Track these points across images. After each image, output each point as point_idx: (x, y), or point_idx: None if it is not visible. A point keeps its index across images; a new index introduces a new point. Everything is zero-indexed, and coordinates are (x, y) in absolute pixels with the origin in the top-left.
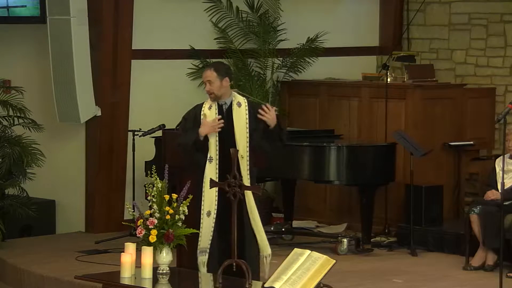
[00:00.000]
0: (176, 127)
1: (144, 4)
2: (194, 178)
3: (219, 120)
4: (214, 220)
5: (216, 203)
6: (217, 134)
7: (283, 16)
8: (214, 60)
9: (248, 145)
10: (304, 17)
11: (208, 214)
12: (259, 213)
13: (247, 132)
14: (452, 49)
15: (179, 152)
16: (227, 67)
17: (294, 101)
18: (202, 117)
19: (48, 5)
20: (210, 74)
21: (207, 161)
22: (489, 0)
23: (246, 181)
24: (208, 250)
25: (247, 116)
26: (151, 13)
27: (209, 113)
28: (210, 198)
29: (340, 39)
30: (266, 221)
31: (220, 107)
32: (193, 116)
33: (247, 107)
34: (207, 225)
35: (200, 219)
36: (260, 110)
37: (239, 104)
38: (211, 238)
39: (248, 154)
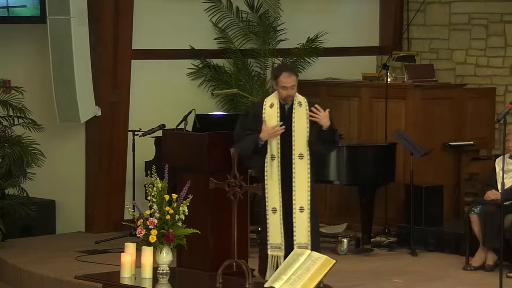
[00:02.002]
0: (176, 127)
1: (144, 4)
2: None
3: (280, 126)
4: (281, 217)
5: (281, 200)
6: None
7: (283, 16)
8: (214, 60)
9: (307, 144)
10: (304, 17)
11: (274, 210)
12: None
13: (307, 132)
14: (452, 49)
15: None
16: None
17: None
18: (263, 115)
19: (48, 5)
20: (294, 79)
21: (269, 159)
22: (489, 0)
23: (306, 181)
24: (283, 246)
25: (307, 115)
26: (151, 13)
27: (271, 112)
28: (274, 195)
29: (340, 39)
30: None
31: (282, 106)
32: (254, 114)
33: (307, 107)
34: (275, 221)
35: (266, 216)
36: (310, 112)
37: (299, 104)
38: (282, 233)
39: (308, 153)
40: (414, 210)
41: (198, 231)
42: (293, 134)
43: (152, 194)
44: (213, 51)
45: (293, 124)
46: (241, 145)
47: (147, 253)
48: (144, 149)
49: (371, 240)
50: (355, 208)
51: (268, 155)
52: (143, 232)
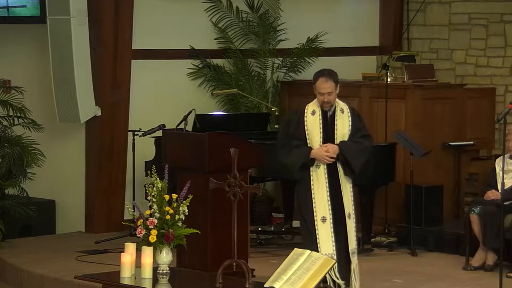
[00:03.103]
0: (176, 127)
1: (144, 4)
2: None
3: (322, 136)
4: (331, 225)
5: (330, 208)
6: (321, 141)
7: (283, 16)
8: (214, 60)
9: None
10: (304, 17)
11: (323, 220)
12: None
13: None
14: (452, 49)
15: (275, 165)
16: (336, 73)
17: (294, 101)
18: (306, 123)
19: (48, 5)
20: (331, 85)
21: (315, 167)
22: (489, 0)
23: (350, 188)
24: (335, 256)
25: (350, 122)
26: (151, 13)
27: (313, 119)
28: (323, 203)
29: (340, 39)
30: (266, 221)
31: (324, 113)
32: (296, 122)
33: (349, 113)
34: (325, 230)
35: (314, 225)
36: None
37: (342, 111)
38: (333, 242)
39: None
40: (414, 210)
41: (198, 231)
42: (335, 142)
43: (152, 194)
44: (213, 51)
45: (335, 132)
46: (290, 159)
47: (147, 253)
48: (144, 149)
49: (371, 240)
50: (355, 208)
51: (313, 163)
52: (143, 232)
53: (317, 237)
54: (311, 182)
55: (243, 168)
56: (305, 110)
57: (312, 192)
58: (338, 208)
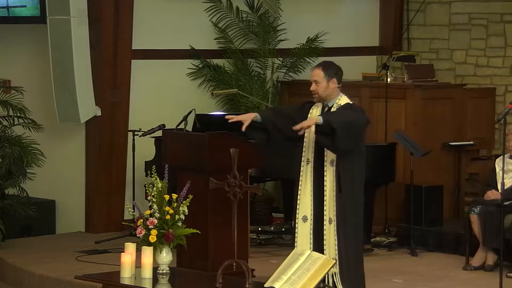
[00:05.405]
0: (176, 127)
1: (144, 4)
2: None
3: (230, 119)
4: (311, 226)
5: (312, 207)
6: (315, 136)
7: (283, 16)
8: (214, 60)
9: None
10: (304, 17)
11: (305, 219)
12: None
13: None
14: (452, 49)
15: None
16: (337, 68)
17: (294, 101)
18: (310, 114)
19: (48, 5)
20: (318, 73)
21: (305, 162)
22: (489, 0)
23: (333, 191)
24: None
25: None
26: (151, 13)
27: (315, 112)
28: (305, 202)
29: (340, 39)
30: (266, 221)
31: (323, 108)
32: (302, 105)
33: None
34: (304, 231)
35: (295, 224)
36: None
37: (338, 106)
38: (311, 244)
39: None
40: (414, 210)
41: (198, 231)
42: None
43: (152, 194)
44: (213, 51)
45: None
46: None
47: (147, 253)
48: (144, 149)
49: (371, 240)
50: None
51: (304, 159)
52: (143, 232)
53: (296, 235)
54: (300, 179)
55: (243, 168)
56: (316, 103)
57: (299, 188)
58: (320, 210)
